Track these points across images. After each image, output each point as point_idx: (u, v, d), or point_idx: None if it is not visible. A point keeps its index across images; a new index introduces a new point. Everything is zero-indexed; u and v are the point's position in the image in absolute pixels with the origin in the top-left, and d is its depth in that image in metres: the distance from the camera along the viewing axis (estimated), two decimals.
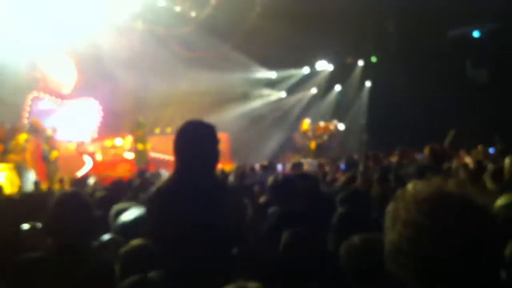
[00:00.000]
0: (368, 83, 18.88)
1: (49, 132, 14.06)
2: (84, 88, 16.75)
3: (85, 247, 2.65)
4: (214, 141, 2.90)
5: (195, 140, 2.85)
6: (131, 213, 3.58)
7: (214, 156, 2.90)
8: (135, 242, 2.79)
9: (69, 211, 2.62)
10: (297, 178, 3.60)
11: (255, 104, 19.68)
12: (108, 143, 15.96)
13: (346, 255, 2.12)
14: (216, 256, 2.59)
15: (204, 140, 2.87)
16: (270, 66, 19.04)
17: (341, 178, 7.23)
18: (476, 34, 16.27)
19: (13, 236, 3.77)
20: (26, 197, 6.64)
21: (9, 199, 6.09)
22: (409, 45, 15.79)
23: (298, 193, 3.57)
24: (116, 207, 4.15)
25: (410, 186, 1.27)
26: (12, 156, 13.20)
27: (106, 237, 3.31)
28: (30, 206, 4.58)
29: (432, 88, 14.89)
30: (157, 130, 17.52)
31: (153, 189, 3.02)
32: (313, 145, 16.38)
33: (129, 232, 3.26)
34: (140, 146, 15.52)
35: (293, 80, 20.01)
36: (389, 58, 16.67)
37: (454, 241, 1.16)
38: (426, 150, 6.35)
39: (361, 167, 7.09)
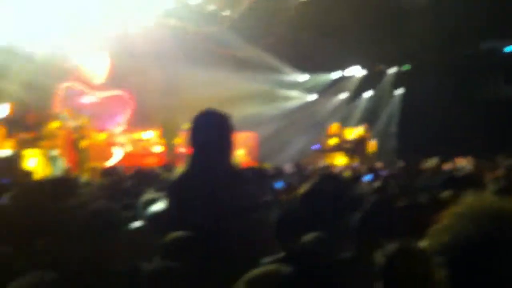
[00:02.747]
0: (399, 91, 18.75)
1: (80, 121, 14.29)
2: (115, 81, 16.98)
3: None
4: (228, 129, 2.91)
5: (208, 129, 2.87)
6: (162, 204, 3.63)
7: (228, 144, 2.90)
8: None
9: None
10: (327, 180, 3.60)
11: (285, 105, 19.70)
12: (137, 135, 16.14)
13: (386, 263, 2.10)
14: (234, 246, 2.59)
15: (217, 128, 2.88)
16: (301, 68, 19.04)
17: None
18: (508, 49, 16.10)
19: (41, 219, 3.85)
20: (55, 181, 6.73)
21: (40, 182, 6.21)
22: (441, 56, 15.67)
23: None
24: (145, 197, 4.22)
25: (465, 200, 1.26)
26: (43, 143, 13.43)
27: (137, 224, 3.36)
28: (58, 191, 4.66)
29: (462, 100, 14.78)
30: (186, 126, 17.62)
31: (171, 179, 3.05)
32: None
33: (160, 221, 3.31)
34: (167, 141, 15.68)
35: (324, 84, 19.99)
36: (421, 67, 16.55)
37: None
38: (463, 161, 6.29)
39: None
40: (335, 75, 19.83)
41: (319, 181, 3.35)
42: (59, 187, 4.69)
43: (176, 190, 2.82)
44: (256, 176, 4.58)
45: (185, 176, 2.85)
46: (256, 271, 1.81)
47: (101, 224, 2.95)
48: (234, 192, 2.71)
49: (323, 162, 15.00)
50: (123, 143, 15.80)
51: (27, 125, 13.51)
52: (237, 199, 2.70)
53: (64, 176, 10.20)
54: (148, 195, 4.25)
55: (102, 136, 15.50)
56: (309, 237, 2.57)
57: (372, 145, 16.79)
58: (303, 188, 3.33)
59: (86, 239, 2.98)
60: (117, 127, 16.63)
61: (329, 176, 3.78)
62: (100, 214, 3.05)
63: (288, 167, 12.49)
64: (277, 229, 2.81)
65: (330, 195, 3.16)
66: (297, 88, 20.17)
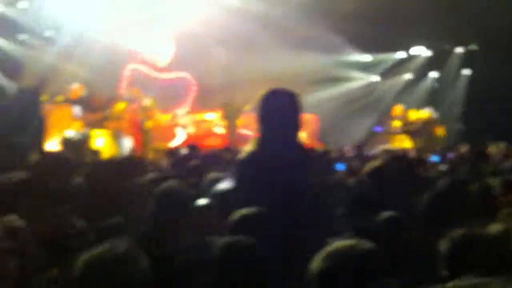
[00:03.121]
0: (466, 71, 18.15)
1: (146, 102, 14.62)
2: (179, 63, 17.22)
3: None
4: (296, 108, 2.90)
5: (277, 108, 2.87)
6: (227, 182, 3.67)
7: (296, 123, 2.89)
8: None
9: None
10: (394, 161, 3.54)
11: (347, 87, 19.42)
12: (199, 116, 16.35)
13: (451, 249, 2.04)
14: (303, 224, 2.57)
15: (285, 107, 2.87)
16: (364, 49, 18.67)
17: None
18: None
19: (114, 197, 3.95)
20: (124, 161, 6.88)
21: (110, 161, 6.39)
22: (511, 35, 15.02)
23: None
24: (210, 176, 4.29)
25: None
26: (110, 123, 13.82)
27: (202, 201, 3.41)
28: (128, 170, 4.77)
29: None
30: (247, 108, 17.72)
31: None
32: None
33: (225, 200, 3.35)
34: (229, 122, 15.80)
35: (387, 64, 19.54)
36: (490, 46, 15.92)
37: None
38: None
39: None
40: (399, 55, 19.34)
41: (386, 161, 3.30)
42: (129, 166, 4.81)
43: (245, 168, 2.83)
44: (320, 158, 4.56)
45: (254, 154, 2.86)
46: (335, 245, 1.80)
47: (172, 201, 3.01)
48: (304, 171, 2.71)
49: (386, 144, 14.76)
50: (185, 124, 16.04)
51: (95, 106, 13.92)
52: (306, 178, 2.69)
53: (131, 155, 10.49)
54: (213, 174, 4.32)
55: (166, 117, 15.81)
56: (382, 216, 2.54)
57: (440, 128, 16.36)
58: (369, 168, 3.28)
59: (157, 216, 3.06)
60: (181, 108, 16.88)
61: (396, 157, 3.70)
62: (171, 192, 3.11)
63: (349, 150, 12.39)
64: (348, 208, 2.79)
65: (398, 175, 3.11)
66: (360, 69, 19.83)
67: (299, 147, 2.92)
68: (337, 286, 1.70)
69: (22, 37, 14.79)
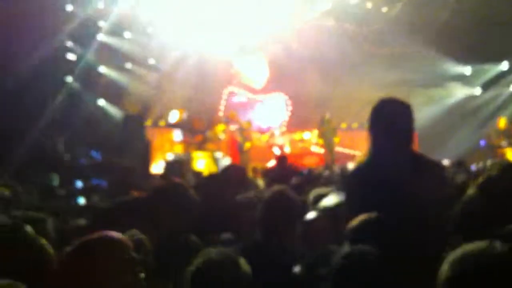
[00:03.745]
0: None
1: (243, 124, 14.95)
2: (274, 84, 17.47)
3: None
4: (410, 117, 2.84)
5: (391, 117, 2.81)
6: (332, 198, 3.67)
7: (410, 132, 2.84)
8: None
9: None
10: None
11: (446, 100, 18.81)
12: (296, 136, 16.46)
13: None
14: (418, 232, 2.49)
15: (399, 116, 2.82)
16: (464, 61, 18.05)
17: None
18: None
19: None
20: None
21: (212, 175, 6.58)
22: None
23: None
24: (314, 192, 4.30)
25: None
26: (209, 145, 14.23)
27: (311, 215, 3.43)
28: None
29: None
30: (344, 125, 17.62)
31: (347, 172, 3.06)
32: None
33: (334, 214, 3.34)
34: (326, 141, 15.76)
35: (489, 76, 18.74)
36: None
37: None
38: None
39: None
40: (503, 66, 18.50)
41: (499, 172, 3.17)
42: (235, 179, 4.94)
43: (359, 178, 2.82)
44: (436, 169, 4.41)
45: (366, 166, 2.84)
46: (464, 248, 1.71)
47: (282, 204, 3.08)
48: (419, 182, 2.65)
49: (491, 159, 14.11)
50: (282, 144, 16.19)
51: (194, 129, 14.40)
52: (422, 190, 2.63)
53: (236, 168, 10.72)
54: (318, 190, 4.33)
55: (263, 138, 16.04)
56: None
57: None
58: (481, 179, 3.17)
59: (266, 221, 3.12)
60: (277, 128, 17.08)
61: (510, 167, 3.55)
62: (282, 195, 3.17)
63: (448, 164, 11.93)
64: (460, 222, 2.71)
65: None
66: (460, 82, 19.15)
67: (414, 157, 2.86)
68: None
69: (127, 65, 15.61)
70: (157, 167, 13.89)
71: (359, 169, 2.91)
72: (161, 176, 10.46)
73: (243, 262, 2.37)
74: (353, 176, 2.95)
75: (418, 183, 2.64)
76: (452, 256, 1.69)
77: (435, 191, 2.71)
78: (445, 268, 1.68)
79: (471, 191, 3.73)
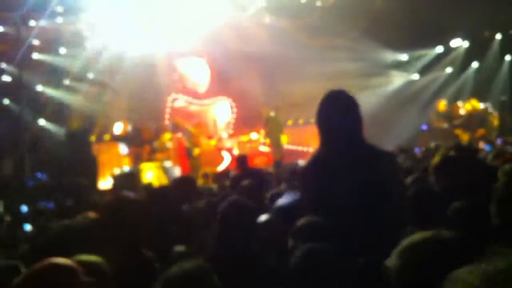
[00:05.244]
0: (508, 57, 17.73)
1: (190, 130, 14.84)
2: (217, 86, 17.40)
3: None
4: (358, 108, 2.87)
5: (338, 108, 2.83)
6: (288, 197, 3.68)
7: (360, 123, 2.87)
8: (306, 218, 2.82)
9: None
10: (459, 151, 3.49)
11: (387, 88, 19.21)
12: (244, 138, 16.45)
13: None
14: (374, 224, 2.52)
15: (349, 108, 2.85)
16: (400, 48, 18.47)
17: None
18: None
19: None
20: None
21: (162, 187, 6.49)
22: None
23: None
24: (270, 192, 4.30)
25: None
26: (158, 155, 14.06)
27: (264, 217, 3.42)
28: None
29: None
30: (290, 122, 17.73)
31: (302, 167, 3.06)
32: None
33: (288, 213, 3.35)
34: (273, 140, 15.83)
35: (425, 61, 19.26)
36: None
37: None
38: None
39: None
40: (437, 50, 19.04)
41: (451, 152, 3.25)
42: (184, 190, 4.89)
43: (313, 173, 2.81)
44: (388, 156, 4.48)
45: (320, 159, 2.84)
46: (411, 238, 1.75)
47: (237, 215, 3.05)
48: (373, 169, 2.67)
49: (433, 142, 14.51)
50: (231, 147, 16.16)
51: (141, 140, 14.20)
52: (377, 177, 2.65)
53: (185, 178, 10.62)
54: (271, 191, 4.34)
55: (211, 143, 15.96)
56: (457, 205, 2.50)
57: (492, 117, 15.99)
58: (437, 159, 3.24)
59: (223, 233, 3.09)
60: (224, 132, 17.03)
61: (460, 147, 3.64)
62: (236, 206, 3.14)
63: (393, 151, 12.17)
64: (417, 203, 2.76)
65: (466, 165, 3.06)
66: (398, 68, 19.60)
67: (366, 147, 2.88)
68: (417, 280, 1.65)
69: (66, 81, 15.25)
70: (105, 183, 13.63)
71: (312, 164, 2.90)
72: (111, 192, 10.28)
73: (213, 274, 2.33)
74: (307, 171, 2.94)
75: (373, 173, 2.66)
76: (400, 246, 1.73)
77: (390, 180, 2.74)
78: (393, 257, 1.72)
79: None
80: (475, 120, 15.76)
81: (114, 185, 12.59)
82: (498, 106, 16.96)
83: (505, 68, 17.93)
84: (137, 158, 13.99)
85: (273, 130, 15.71)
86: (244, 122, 17.23)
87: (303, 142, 16.74)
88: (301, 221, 2.68)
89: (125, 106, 15.58)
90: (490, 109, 16.16)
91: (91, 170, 12.66)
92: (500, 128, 15.65)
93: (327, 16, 15.89)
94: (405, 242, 1.75)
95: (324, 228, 2.52)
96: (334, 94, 2.90)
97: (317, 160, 2.86)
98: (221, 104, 17.69)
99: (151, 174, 13.27)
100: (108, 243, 3.20)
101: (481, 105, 16.12)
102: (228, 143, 16.36)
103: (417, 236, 1.75)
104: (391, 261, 1.73)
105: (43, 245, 3.75)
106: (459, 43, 18.62)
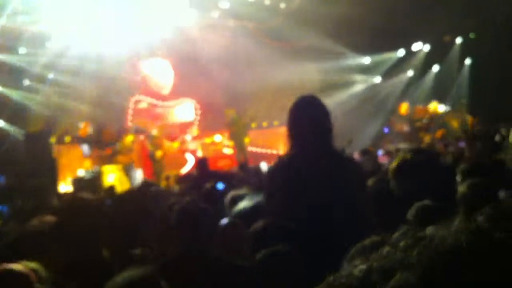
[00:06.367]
0: (468, 61, 18.13)
1: (153, 132, 14.69)
2: (181, 88, 17.28)
3: None
4: (326, 112, 2.90)
5: (309, 113, 2.85)
6: (249, 200, 3.65)
7: (329, 127, 2.89)
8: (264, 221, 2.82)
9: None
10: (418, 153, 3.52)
11: (351, 91, 19.39)
12: (208, 140, 16.38)
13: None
14: (340, 228, 2.55)
15: (317, 113, 2.87)
16: (363, 51, 18.69)
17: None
18: None
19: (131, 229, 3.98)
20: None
21: (123, 194, 6.41)
22: (509, 20, 15.01)
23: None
24: (231, 195, 4.27)
25: None
26: (120, 158, 13.88)
27: (224, 221, 3.39)
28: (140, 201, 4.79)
29: None
30: (253, 125, 17.74)
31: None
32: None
33: (250, 217, 3.33)
34: (237, 142, 15.82)
35: (388, 64, 19.53)
36: (489, 33, 15.89)
37: None
38: None
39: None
40: (399, 53, 19.33)
41: (411, 154, 3.29)
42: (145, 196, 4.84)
43: (280, 177, 2.81)
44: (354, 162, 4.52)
45: (288, 163, 2.84)
46: (363, 242, 1.78)
47: (191, 221, 3.01)
48: (342, 176, 2.70)
49: (395, 144, 14.73)
50: (194, 149, 16.07)
51: (103, 142, 14.00)
52: (345, 183, 2.68)
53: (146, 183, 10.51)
54: (233, 193, 4.30)
55: (175, 145, 15.84)
56: (417, 207, 2.53)
57: (453, 119, 16.32)
58: (395, 163, 3.28)
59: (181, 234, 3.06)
60: (188, 134, 16.93)
61: (418, 150, 3.70)
62: (188, 212, 3.11)
63: (356, 154, 12.29)
64: (376, 206, 2.78)
65: (425, 167, 3.10)
66: (361, 72, 19.82)
67: (333, 150, 2.91)
68: None
69: (25, 82, 14.93)
70: (66, 185, 13.39)
71: (280, 168, 2.90)
72: (72, 195, 10.09)
73: (159, 282, 2.29)
74: (274, 175, 2.94)
75: (340, 180, 2.69)
76: (351, 250, 1.75)
77: (356, 187, 2.77)
78: (344, 263, 1.73)
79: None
80: (435, 122, 16.07)
81: (75, 187, 12.37)
82: (458, 109, 17.33)
83: (465, 71, 18.31)
84: (98, 161, 13.79)
85: (237, 133, 15.71)
86: (208, 124, 17.16)
87: (267, 144, 16.78)
88: (260, 224, 2.68)
89: (87, 107, 15.32)
90: (450, 112, 16.50)
91: (51, 173, 12.39)
92: (460, 130, 15.99)
93: (290, 20, 15.97)
94: (356, 246, 1.77)
95: (287, 231, 2.52)
96: (306, 100, 2.92)
97: (285, 164, 2.87)
98: (185, 106, 17.57)
99: (113, 177, 13.09)
100: (65, 246, 3.15)
101: (441, 108, 16.44)
102: (191, 145, 16.26)
103: (366, 240, 1.77)
104: (343, 266, 1.74)
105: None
106: (420, 47, 18.95)
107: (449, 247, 0.78)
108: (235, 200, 4.00)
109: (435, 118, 16.22)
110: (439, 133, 15.66)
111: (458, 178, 3.65)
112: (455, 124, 16.23)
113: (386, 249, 1.19)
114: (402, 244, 1.09)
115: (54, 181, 12.34)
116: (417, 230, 1.09)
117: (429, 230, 1.05)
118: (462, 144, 10.43)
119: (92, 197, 4.71)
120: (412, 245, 1.04)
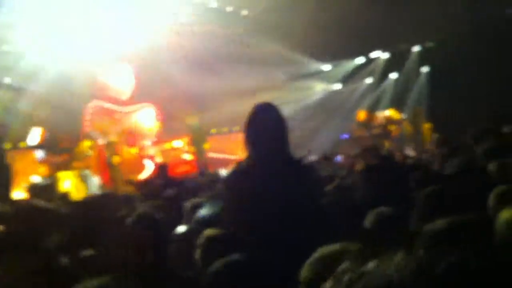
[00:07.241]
0: (425, 69, 18.48)
1: (110, 138, 14.43)
2: (141, 93, 17.05)
3: None
4: (282, 119, 2.92)
5: (265, 120, 2.86)
6: (210, 207, 3.59)
7: (285, 134, 2.91)
8: (213, 230, 2.78)
9: None
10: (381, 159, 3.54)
11: (311, 97, 19.54)
12: (167, 145, 16.22)
13: None
14: (299, 235, 2.54)
15: (276, 120, 2.88)
16: (323, 58, 18.86)
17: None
18: None
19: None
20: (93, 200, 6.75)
21: (80, 202, 6.25)
22: (466, 27, 15.34)
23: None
24: (191, 202, 4.19)
25: None
26: (76, 164, 13.59)
27: (182, 228, 3.32)
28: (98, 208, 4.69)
29: (490, 72, 14.46)
30: (213, 131, 17.67)
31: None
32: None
33: (211, 224, 3.26)
34: (197, 148, 15.72)
35: (347, 71, 19.75)
36: (447, 42, 16.21)
37: None
38: None
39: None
40: (358, 61, 19.58)
41: (375, 161, 3.30)
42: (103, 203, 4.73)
43: (238, 184, 2.78)
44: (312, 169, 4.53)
45: (246, 170, 2.82)
46: (321, 250, 1.75)
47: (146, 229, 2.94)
48: (299, 182, 2.69)
49: (353, 151, 14.86)
50: (153, 155, 15.88)
51: (59, 148, 13.69)
52: (302, 190, 2.67)
53: (104, 192, 10.31)
54: (193, 200, 4.23)
55: (133, 151, 15.61)
56: (375, 214, 2.52)
57: (409, 126, 16.59)
58: (359, 168, 3.29)
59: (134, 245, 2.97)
60: (147, 139, 16.70)
61: (382, 156, 3.71)
62: (144, 219, 3.04)
63: (315, 160, 12.38)
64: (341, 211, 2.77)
65: (387, 172, 3.11)
66: (321, 79, 19.99)
67: (290, 156, 2.91)
68: None
69: None
70: (20, 192, 13.01)
71: (237, 175, 2.87)
72: (25, 201, 9.79)
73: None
74: (232, 182, 2.91)
75: (297, 187, 2.68)
76: (311, 257, 1.74)
77: (313, 193, 2.76)
78: (304, 268, 1.74)
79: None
80: (392, 129, 16.30)
81: (29, 194, 12.03)
82: (414, 115, 17.62)
83: (422, 79, 18.64)
84: (54, 167, 13.45)
85: (197, 139, 15.61)
86: (167, 130, 16.98)
87: (227, 150, 16.71)
88: (212, 233, 2.63)
89: (42, 112, 14.94)
90: (407, 118, 16.77)
91: (4, 179, 12.02)
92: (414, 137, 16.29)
93: (252, 26, 15.97)
94: (315, 254, 1.76)
95: (240, 241, 2.47)
96: (263, 107, 2.92)
97: (242, 170, 2.84)
98: (145, 111, 17.34)
99: (69, 183, 12.80)
100: (17, 253, 3.03)
101: (398, 115, 16.70)
102: (151, 151, 16.06)
103: (326, 248, 1.76)
104: (302, 273, 1.74)
105: None
106: (379, 54, 19.23)
107: (390, 285, 0.78)
108: (195, 207, 3.94)
109: (392, 124, 16.45)
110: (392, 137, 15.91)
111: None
112: (411, 130, 16.51)
113: (329, 284, 1.18)
114: (345, 279, 1.09)
115: (7, 188, 11.97)
116: (359, 265, 1.09)
117: (372, 264, 1.05)
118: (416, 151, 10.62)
119: (47, 204, 4.58)
120: (355, 281, 1.04)
